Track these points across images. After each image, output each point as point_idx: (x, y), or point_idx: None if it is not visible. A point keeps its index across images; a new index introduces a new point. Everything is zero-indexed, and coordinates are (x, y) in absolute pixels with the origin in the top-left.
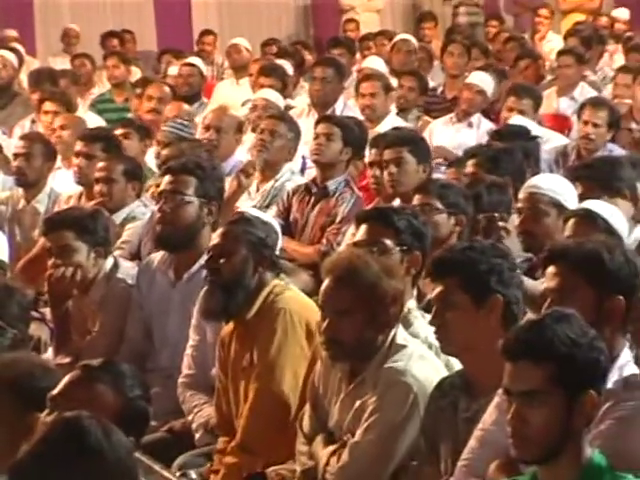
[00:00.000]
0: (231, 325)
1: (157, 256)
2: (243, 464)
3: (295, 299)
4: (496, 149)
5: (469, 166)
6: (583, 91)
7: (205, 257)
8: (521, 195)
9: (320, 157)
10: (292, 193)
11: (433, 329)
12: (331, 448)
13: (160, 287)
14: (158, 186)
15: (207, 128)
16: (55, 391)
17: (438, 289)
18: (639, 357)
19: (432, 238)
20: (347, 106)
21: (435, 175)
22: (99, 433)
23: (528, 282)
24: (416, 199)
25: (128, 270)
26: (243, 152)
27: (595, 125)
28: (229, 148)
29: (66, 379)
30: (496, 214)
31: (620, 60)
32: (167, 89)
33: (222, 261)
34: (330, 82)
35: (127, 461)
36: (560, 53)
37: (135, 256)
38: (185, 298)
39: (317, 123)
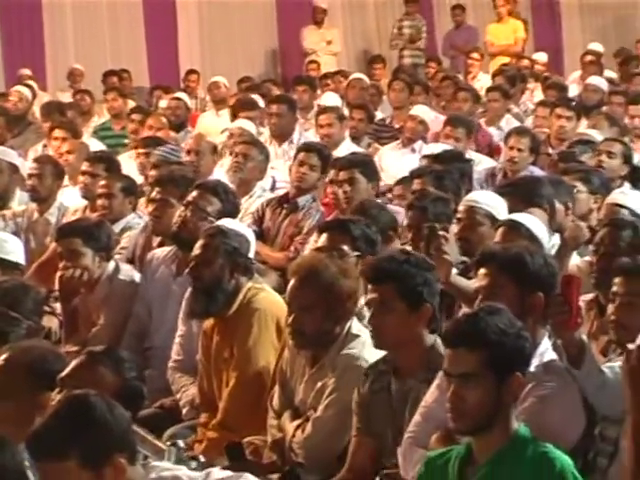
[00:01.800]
0: (212, 320)
1: (161, 252)
2: (223, 439)
3: (267, 299)
4: (438, 170)
5: (416, 184)
6: (508, 122)
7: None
8: (460, 207)
9: (303, 184)
10: (266, 204)
11: (369, 330)
12: (297, 422)
13: (162, 277)
14: (150, 200)
15: (188, 152)
16: (64, 373)
17: (375, 294)
18: (557, 345)
19: None
20: (303, 135)
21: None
22: (104, 408)
23: (463, 281)
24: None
25: (127, 272)
26: (221, 173)
27: (519, 150)
28: (208, 168)
29: (73, 363)
30: (437, 224)
31: (539, 96)
32: (164, 120)
33: (203, 269)
34: (284, 116)
35: (128, 432)
36: (489, 90)
37: (130, 261)
38: (183, 291)
39: (300, 151)
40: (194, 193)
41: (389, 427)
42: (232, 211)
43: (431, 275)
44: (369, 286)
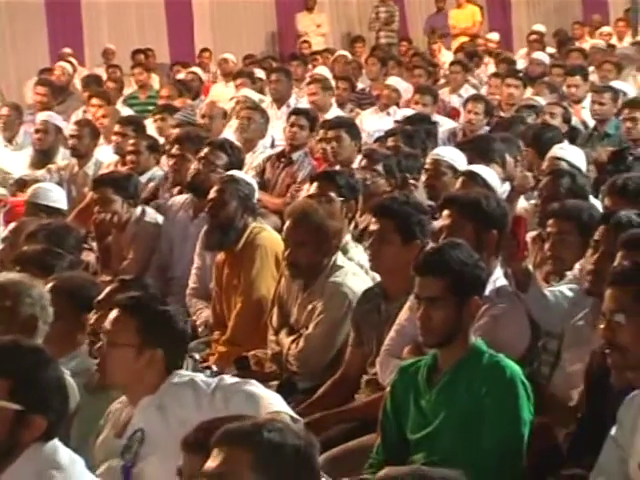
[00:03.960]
0: (223, 255)
1: (178, 199)
2: (232, 352)
3: (268, 237)
4: (408, 130)
5: (390, 141)
6: (467, 90)
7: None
8: (427, 160)
9: (294, 141)
10: (266, 159)
11: (368, 253)
12: (292, 338)
13: (181, 220)
14: (169, 156)
15: (202, 116)
16: (100, 297)
17: (377, 226)
18: (507, 273)
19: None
20: (299, 101)
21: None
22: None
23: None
24: (363, 163)
25: (152, 215)
26: (230, 133)
27: (475, 113)
28: (218, 129)
29: (107, 289)
30: (408, 174)
31: (492, 68)
32: (175, 88)
33: (219, 209)
34: (282, 83)
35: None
36: (451, 64)
37: (148, 202)
38: (199, 231)
39: (291, 115)
40: (205, 149)
41: (375, 341)
42: (237, 164)
43: (424, 217)
44: (372, 219)
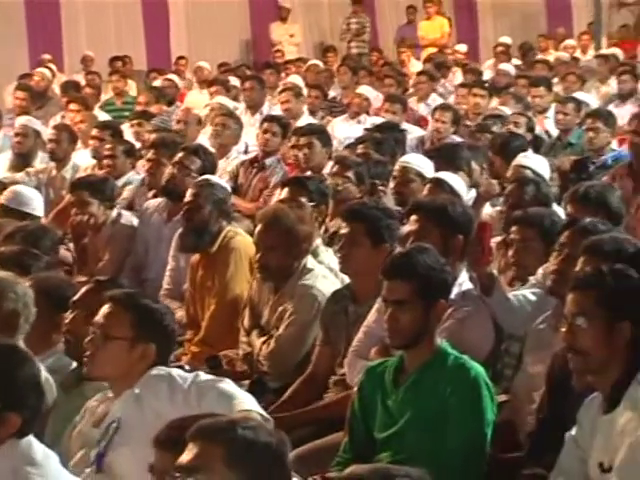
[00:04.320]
0: (197, 256)
1: (153, 202)
2: (204, 352)
3: (242, 242)
4: (378, 137)
5: (360, 148)
6: (434, 99)
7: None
8: (396, 167)
9: (267, 148)
10: (240, 165)
11: (338, 256)
12: (263, 339)
13: (156, 223)
14: (147, 160)
15: (178, 122)
16: (75, 297)
17: (347, 229)
18: (473, 277)
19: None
20: (272, 109)
21: None
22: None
23: None
24: (334, 169)
25: (127, 217)
26: (204, 139)
27: (443, 122)
28: (193, 135)
29: (83, 290)
30: (377, 181)
31: (460, 78)
32: (152, 95)
33: (194, 213)
34: (256, 91)
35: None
36: (417, 74)
37: (129, 208)
38: (173, 233)
39: (263, 121)
40: (180, 154)
41: (343, 342)
42: (211, 169)
43: (393, 221)
44: (343, 223)
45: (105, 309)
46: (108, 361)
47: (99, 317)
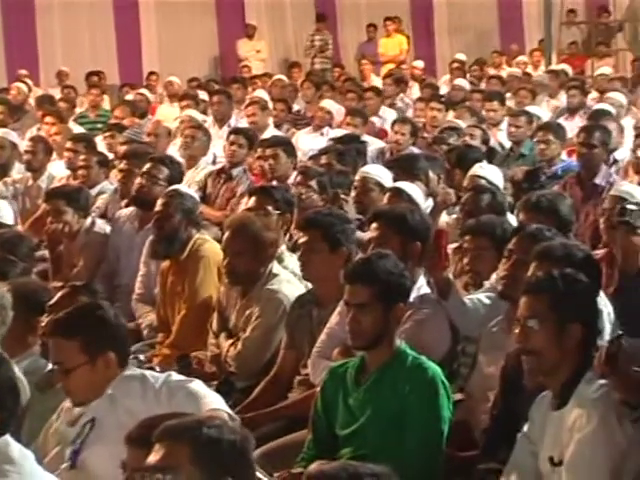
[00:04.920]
0: (168, 263)
1: (125, 212)
2: (175, 355)
3: (211, 249)
4: (340, 149)
5: (323, 159)
6: (384, 111)
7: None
8: (357, 177)
9: (233, 159)
10: (208, 175)
11: (299, 263)
12: (230, 341)
13: (128, 231)
14: (119, 171)
15: (149, 134)
16: (51, 302)
17: (305, 237)
18: (430, 282)
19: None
20: (239, 122)
21: None
22: (111, 314)
23: (359, 234)
24: (298, 179)
25: (101, 225)
26: (174, 150)
27: (402, 134)
28: (163, 146)
29: (58, 294)
30: (339, 190)
31: (417, 93)
32: (128, 109)
33: (164, 222)
34: (223, 104)
35: (124, 338)
36: (365, 90)
37: (102, 217)
38: (144, 241)
39: (230, 134)
40: (148, 164)
41: (307, 344)
42: (178, 177)
43: (348, 226)
44: (300, 232)
45: (53, 345)
46: (80, 389)
47: (51, 355)
